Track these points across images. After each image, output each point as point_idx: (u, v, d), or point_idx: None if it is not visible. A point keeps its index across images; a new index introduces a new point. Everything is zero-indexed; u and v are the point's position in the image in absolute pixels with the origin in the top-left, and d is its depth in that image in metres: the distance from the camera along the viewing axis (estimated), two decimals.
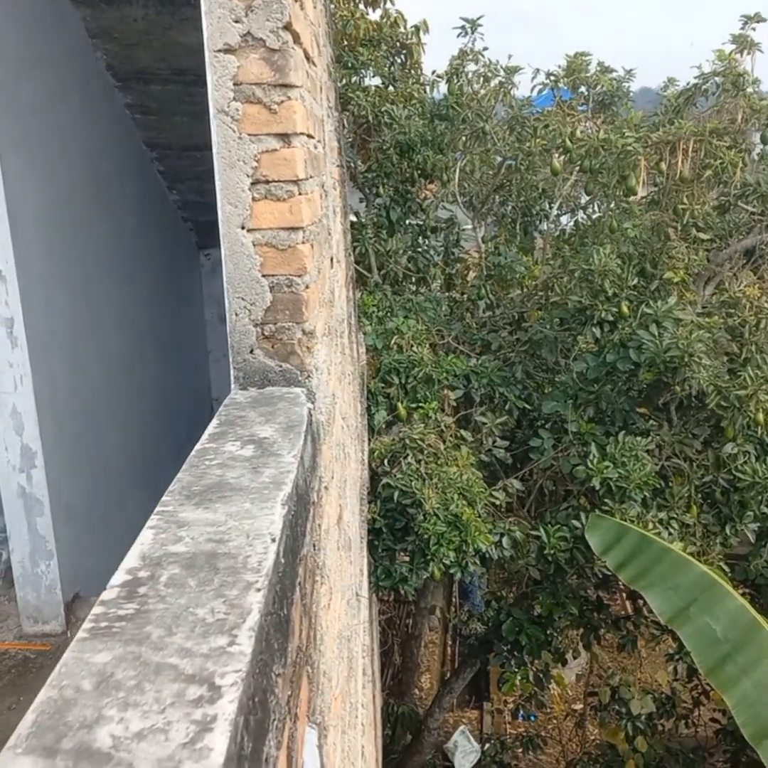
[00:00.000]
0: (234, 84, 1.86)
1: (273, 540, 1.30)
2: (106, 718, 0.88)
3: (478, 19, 6.31)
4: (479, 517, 5.10)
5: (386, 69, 7.32)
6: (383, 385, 5.98)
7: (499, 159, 7.54)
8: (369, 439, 5.67)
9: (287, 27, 1.84)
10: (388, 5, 6.81)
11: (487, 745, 8.13)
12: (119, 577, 1.19)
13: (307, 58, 2.19)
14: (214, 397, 7.00)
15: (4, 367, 3.31)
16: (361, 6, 6.89)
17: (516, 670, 6.73)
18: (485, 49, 6.41)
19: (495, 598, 6.94)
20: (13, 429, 3.38)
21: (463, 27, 6.37)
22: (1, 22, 3.18)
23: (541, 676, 6.99)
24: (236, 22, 1.82)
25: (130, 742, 0.85)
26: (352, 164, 6.98)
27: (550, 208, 7.81)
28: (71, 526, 3.70)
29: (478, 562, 5.28)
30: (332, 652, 2.24)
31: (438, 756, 8.68)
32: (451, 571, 5.20)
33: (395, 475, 5.28)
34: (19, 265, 3.24)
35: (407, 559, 5.45)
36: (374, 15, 6.99)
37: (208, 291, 6.83)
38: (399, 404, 5.83)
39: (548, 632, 6.40)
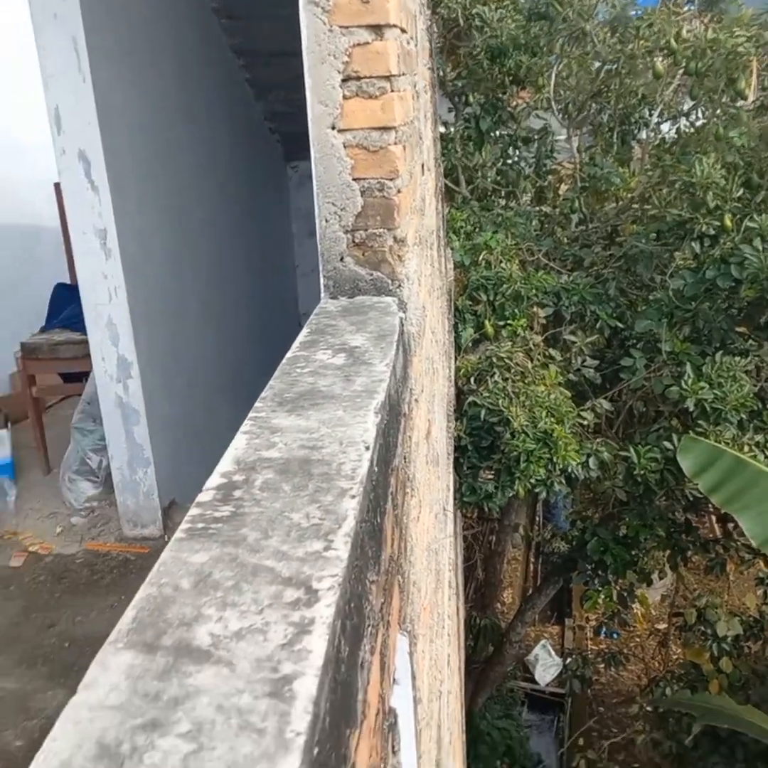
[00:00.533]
0: None
1: (366, 448, 1.27)
2: (205, 617, 0.88)
3: None
4: (568, 435, 5.02)
5: None
6: (470, 302, 5.88)
7: (597, 63, 7.13)
8: (455, 357, 5.61)
9: None
10: None
11: (568, 660, 8.22)
12: (214, 480, 1.19)
13: None
14: (302, 312, 7.01)
15: (98, 279, 3.37)
16: None
17: (599, 588, 6.73)
18: None
19: (580, 518, 6.90)
20: (110, 340, 3.46)
21: None
22: None
23: (626, 595, 6.98)
24: None
25: (229, 641, 0.84)
26: (441, 71, 6.73)
27: (651, 115, 7.37)
28: (166, 436, 3.80)
29: (564, 481, 5.23)
30: (421, 564, 2.24)
31: (519, 667, 8.85)
32: (537, 489, 5.16)
33: (482, 394, 5.22)
34: (111, 175, 3.25)
35: (491, 477, 5.44)
36: None
37: (296, 204, 6.76)
38: (486, 322, 5.72)
39: (634, 553, 6.34)
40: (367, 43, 1.81)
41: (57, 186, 4.62)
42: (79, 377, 4.39)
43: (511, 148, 7.27)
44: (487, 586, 9.22)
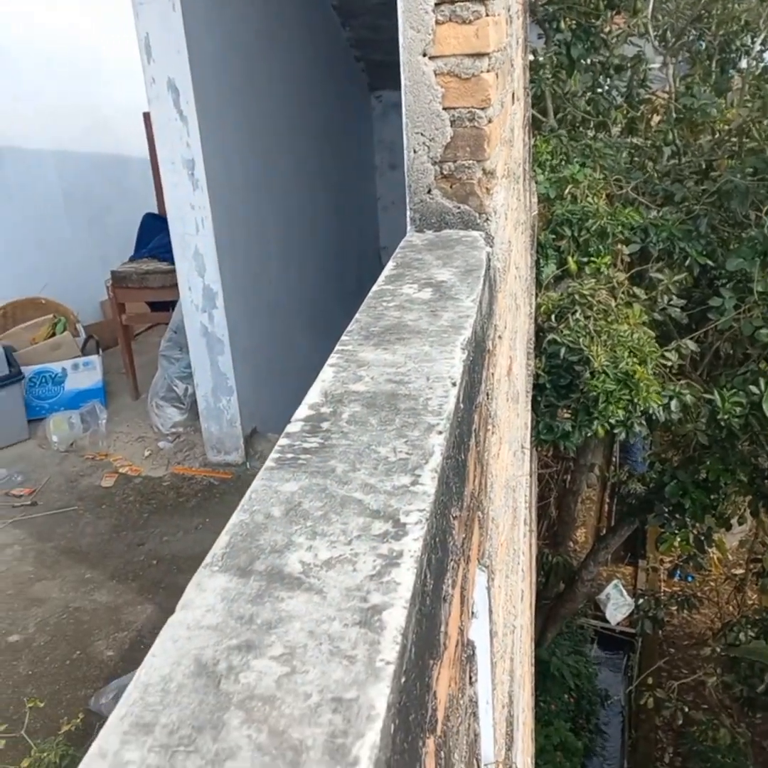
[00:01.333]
0: None
1: (453, 384, 1.26)
2: (296, 545, 0.90)
3: None
4: (651, 376, 4.91)
5: None
6: (554, 236, 5.74)
7: None
8: (536, 294, 5.51)
9: None
10: None
11: (641, 600, 8.21)
12: (302, 411, 1.20)
13: None
14: (382, 246, 6.96)
15: (186, 209, 3.40)
16: None
17: (676, 531, 6.65)
18: None
19: (659, 460, 6.80)
20: (196, 270, 3.51)
21: None
22: None
23: (703, 539, 6.89)
24: None
25: (320, 570, 0.86)
26: None
27: (753, 42, 6.96)
28: (248, 365, 3.87)
29: (644, 423, 5.13)
30: (500, 500, 2.25)
31: (589, 606, 8.89)
32: (616, 430, 5.08)
33: (562, 332, 5.12)
34: (198, 105, 3.25)
35: (569, 415, 5.38)
36: None
37: (379, 136, 6.65)
38: (569, 258, 5.58)
39: (713, 497, 6.23)
40: None
41: (146, 116, 4.66)
42: (166, 306, 4.49)
43: (602, 77, 6.99)
44: (560, 524, 9.22)
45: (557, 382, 5.18)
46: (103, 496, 3.76)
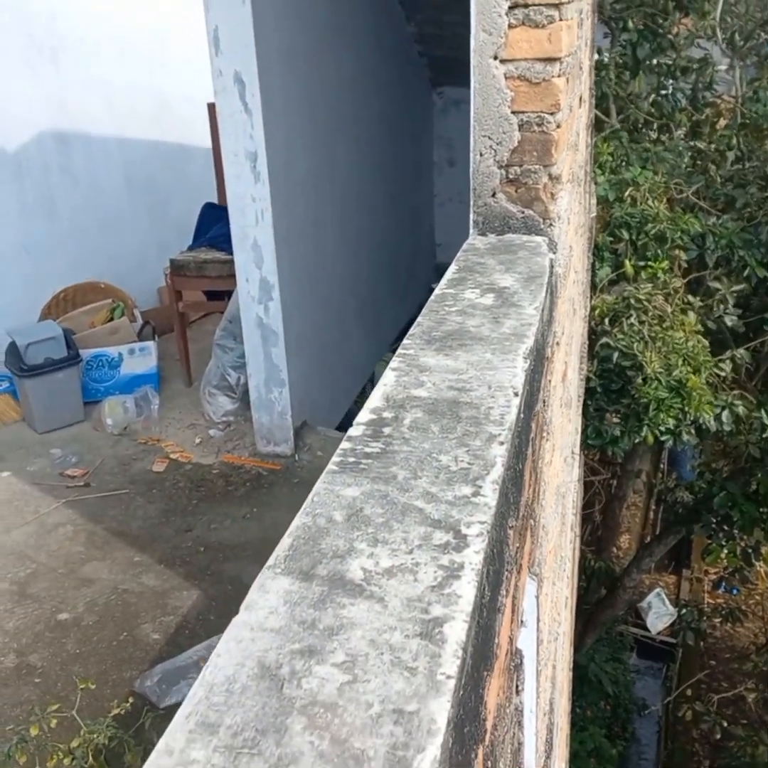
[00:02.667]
0: None
1: (515, 394, 1.26)
2: (357, 551, 0.91)
3: None
4: (704, 386, 4.83)
5: None
6: (611, 239, 5.67)
7: None
8: (590, 296, 5.45)
9: None
10: None
11: (684, 611, 8.09)
12: (365, 415, 1.21)
13: None
14: (437, 243, 6.95)
15: (247, 201, 3.44)
16: None
17: (723, 543, 6.54)
18: None
19: (709, 470, 6.69)
20: (254, 262, 3.54)
21: None
22: None
23: (750, 552, 6.76)
24: None
25: (381, 578, 0.87)
26: None
27: None
28: (301, 358, 3.90)
29: (693, 432, 5.06)
30: (550, 507, 2.24)
31: (630, 613, 8.79)
32: (664, 438, 5.02)
33: (616, 335, 5.07)
34: (263, 98, 3.28)
35: (617, 420, 5.32)
36: None
37: (439, 131, 6.64)
38: (626, 261, 5.52)
39: (763, 510, 6.12)
40: None
41: (210, 107, 4.71)
42: (221, 295, 4.54)
43: (667, 78, 6.87)
44: (604, 529, 9.13)
45: (608, 386, 5.13)
46: (154, 480, 3.82)
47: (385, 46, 5.04)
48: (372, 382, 7.00)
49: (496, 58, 1.82)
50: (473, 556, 0.90)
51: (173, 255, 4.52)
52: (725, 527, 6.36)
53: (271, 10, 3.32)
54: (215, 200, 5.03)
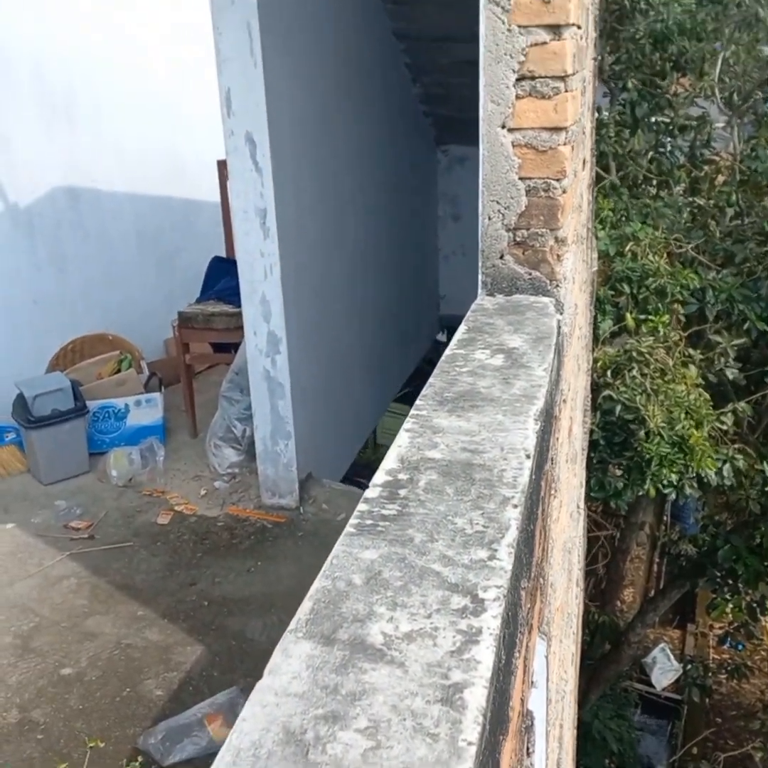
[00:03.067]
0: None
1: (527, 456, 1.29)
2: (377, 615, 0.93)
3: None
4: (706, 440, 4.85)
5: None
6: (613, 293, 5.75)
7: (765, 49, 6.77)
8: (593, 348, 5.50)
9: None
10: None
11: (689, 666, 7.99)
12: (380, 477, 1.23)
13: None
14: (441, 295, 7.04)
15: (256, 257, 3.50)
16: None
17: (728, 597, 6.49)
18: None
19: (712, 523, 6.67)
20: (262, 316, 3.59)
21: None
22: None
23: (756, 606, 6.71)
24: None
25: (401, 642, 0.88)
26: (600, 56, 6.55)
27: None
28: (307, 410, 3.92)
29: (696, 485, 5.07)
30: (558, 564, 2.24)
31: (635, 669, 8.67)
32: (667, 491, 5.03)
33: (618, 388, 5.11)
34: (274, 157, 3.36)
35: (620, 473, 5.33)
36: None
37: (443, 188, 6.77)
38: (628, 314, 5.58)
39: (767, 563, 6.09)
40: (545, 42, 1.80)
41: (219, 163, 4.82)
42: (228, 348, 4.59)
43: (666, 136, 7.03)
44: (608, 582, 9.05)
45: (611, 439, 5.15)
46: (158, 533, 3.82)
47: (392, 106, 5.17)
48: (374, 434, 7.04)
49: (504, 126, 1.89)
50: (491, 621, 0.92)
51: (181, 307, 4.58)
52: (730, 581, 6.32)
53: (282, 72, 3.43)
54: (223, 254, 5.12)
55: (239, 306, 3.98)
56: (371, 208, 4.91)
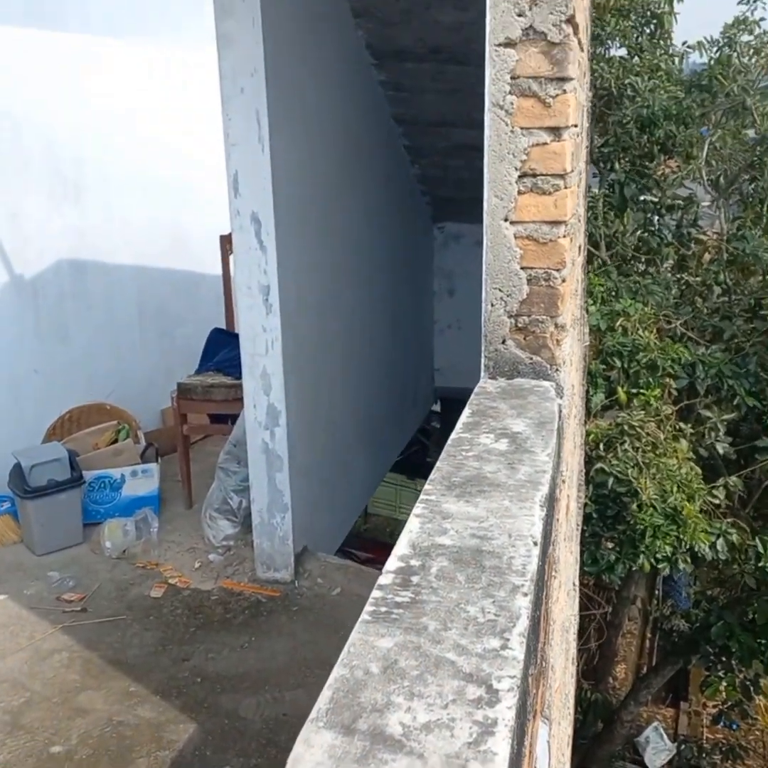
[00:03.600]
0: (511, 78, 1.87)
1: (535, 543, 1.32)
2: (395, 705, 0.95)
3: None
4: (699, 514, 4.88)
5: (633, 39, 7.03)
6: (604, 367, 5.84)
7: (751, 134, 7.03)
8: (585, 421, 5.56)
9: (569, 20, 1.81)
10: None
11: (682, 747, 7.85)
12: (393, 563, 1.27)
13: (580, 46, 2.15)
14: (436, 367, 7.14)
15: (258, 332, 3.57)
16: None
17: (722, 675, 6.42)
18: (762, 19, 5.94)
19: (705, 598, 6.64)
20: (262, 389, 3.65)
21: None
22: (276, 2, 3.36)
23: (750, 685, 6.62)
24: (519, 15, 1.82)
25: (419, 733, 0.90)
26: (589, 139, 6.78)
27: None
28: (304, 483, 3.95)
29: (689, 560, 5.07)
30: (558, 645, 2.25)
31: (628, 748, 8.49)
32: (661, 565, 5.02)
33: (610, 461, 5.14)
34: (278, 236, 3.46)
35: (611, 546, 5.34)
36: None
37: (439, 263, 6.95)
38: (619, 388, 5.66)
39: (761, 641, 6.04)
40: (546, 143, 1.90)
41: (222, 238, 4.94)
42: (225, 419, 4.63)
43: (654, 215, 7.23)
44: (600, 658, 8.94)
45: (604, 512, 5.16)
46: (151, 606, 3.79)
47: (391, 186, 5.34)
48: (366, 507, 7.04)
49: (506, 219, 1.97)
50: (506, 712, 0.94)
51: (179, 378, 4.64)
52: (723, 658, 6.25)
53: (288, 156, 3.56)
54: (223, 325, 5.20)
55: (238, 377, 4.04)
56: (370, 283, 5.02)
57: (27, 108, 4.92)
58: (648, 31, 7.15)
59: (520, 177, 1.94)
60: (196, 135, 5.65)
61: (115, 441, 4.69)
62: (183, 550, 4.25)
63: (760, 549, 5.09)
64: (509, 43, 1.84)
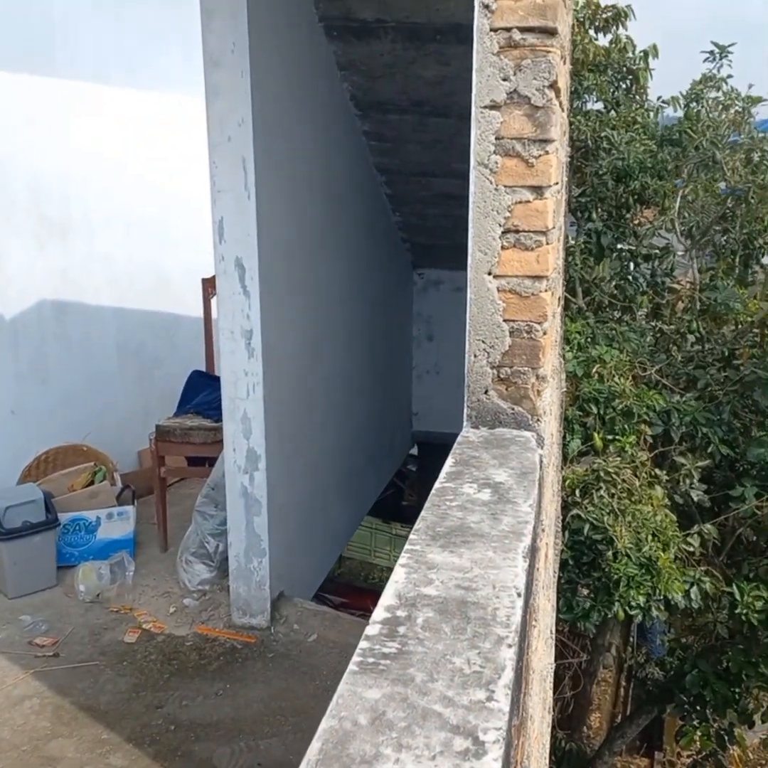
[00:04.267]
0: (496, 138, 1.93)
1: (518, 594, 1.34)
2: (384, 757, 0.96)
3: (729, 46, 6.02)
4: (673, 564, 4.91)
5: (610, 93, 7.23)
6: (580, 413, 5.89)
7: (722, 186, 7.23)
8: (562, 467, 5.59)
9: (552, 85, 1.89)
10: (620, 30, 6.71)
11: None
12: (380, 614, 1.28)
13: (562, 107, 2.23)
14: (414, 412, 7.18)
15: (240, 375, 3.59)
16: (591, 32, 6.84)
17: (696, 724, 6.39)
18: (729, 76, 6.14)
19: (679, 646, 6.64)
20: (242, 433, 3.65)
21: (711, 52, 6.11)
22: (265, 55, 3.45)
23: (724, 735, 6.59)
24: (504, 80, 1.89)
25: None
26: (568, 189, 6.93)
27: None
28: (282, 528, 3.94)
29: (662, 607, 5.08)
30: (536, 695, 2.26)
31: None
32: (634, 612, 5.03)
33: (586, 508, 5.17)
34: (262, 282, 3.50)
35: (586, 592, 5.35)
36: (603, 40, 6.92)
37: (418, 308, 7.03)
38: (595, 434, 5.71)
39: (736, 690, 6.04)
40: (529, 201, 1.96)
41: (204, 281, 4.97)
42: (202, 461, 4.62)
43: (630, 264, 7.38)
44: (575, 707, 8.88)
45: (579, 559, 5.18)
46: (125, 652, 3.74)
47: (372, 233, 5.43)
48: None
49: (490, 273, 2.03)
50: (492, 764, 0.96)
51: (157, 419, 4.63)
52: (698, 707, 6.23)
53: (273, 203, 3.62)
54: (203, 367, 5.21)
55: (217, 420, 4.04)
56: (351, 328, 5.07)
57: (13, 149, 4.97)
58: (624, 86, 7.36)
59: (503, 233, 2.00)
60: (181, 178, 5.72)
61: (92, 483, 4.66)
62: (158, 595, 4.20)
63: (737, 596, 5.11)
64: (494, 106, 1.91)
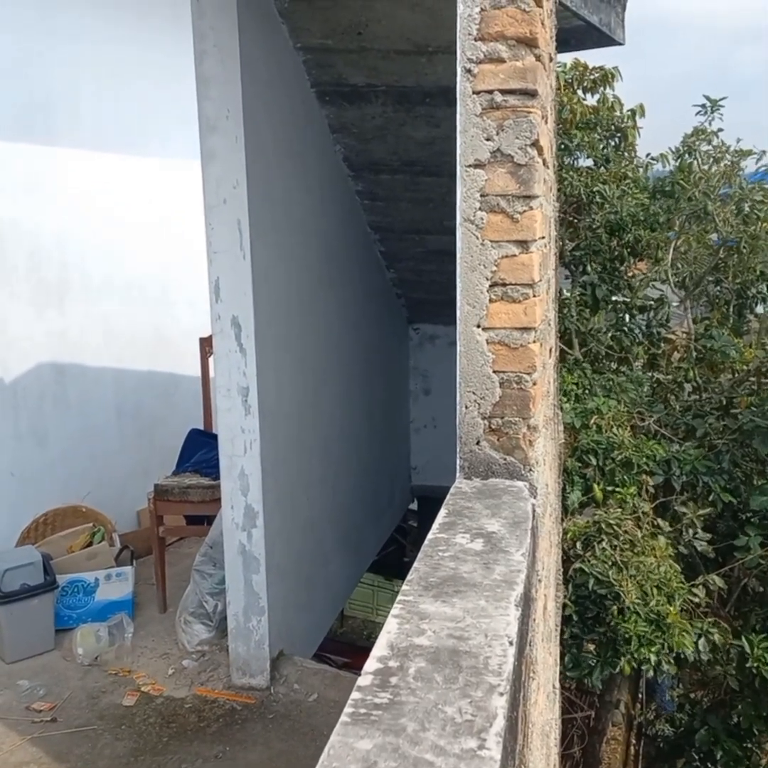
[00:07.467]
0: (481, 195, 1.99)
1: (510, 643, 1.34)
2: None
3: (721, 100, 6.15)
4: (681, 618, 4.85)
5: (599, 150, 7.39)
6: (580, 464, 5.88)
7: (714, 237, 7.34)
8: (562, 519, 5.57)
9: (534, 143, 1.95)
10: (607, 91, 6.90)
11: None
12: (372, 664, 1.28)
13: (545, 165, 2.30)
14: (413, 466, 7.17)
15: (237, 433, 3.61)
16: (579, 92, 7.03)
17: None
18: (720, 130, 6.29)
19: (689, 701, 6.52)
20: (240, 490, 3.66)
21: (703, 106, 6.25)
22: (259, 120, 3.56)
23: None
24: (487, 140, 1.95)
25: None
26: (560, 243, 7.04)
27: None
28: (281, 585, 3.91)
29: (672, 661, 5.00)
30: (538, 750, 2.23)
31: None
32: (643, 667, 4.95)
33: (589, 560, 5.13)
34: (258, 340, 3.55)
35: (592, 647, 5.27)
36: (591, 100, 7.10)
37: (414, 363, 7.08)
38: (595, 486, 5.70)
39: (746, 746, 5.91)
40: (514, 255, 2.01)
41: (202, 340, 5.03)
42: (201, 520, 4.61)
43: (626, 315, 7.44)
44: (584, 765, 8.67)
45: (584, 613, 5.11)
46: (123, 715, 3.68)
47: (367, 289, 5.51)
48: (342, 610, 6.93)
49: (479, 326, 2.07)
50: None
51: (156, 478, 4.63)
52: (709, 764, 6.10)
53: (268, 263, 3.68)
54: (201, 426, 5.23)
55: (216, 478, 4.05)
56: (348, 384, 5.11)
57: (13, 215, 5.07)
58: (613, 143, 7.52)
59: (490, 286, 2.04)
60: (179, 240, 5.82)
61: (90, 544, 4.64)
62: (156, 656, 4.16)
63: (747, 649, 5.03)
64: (478, 165, 1.97)
